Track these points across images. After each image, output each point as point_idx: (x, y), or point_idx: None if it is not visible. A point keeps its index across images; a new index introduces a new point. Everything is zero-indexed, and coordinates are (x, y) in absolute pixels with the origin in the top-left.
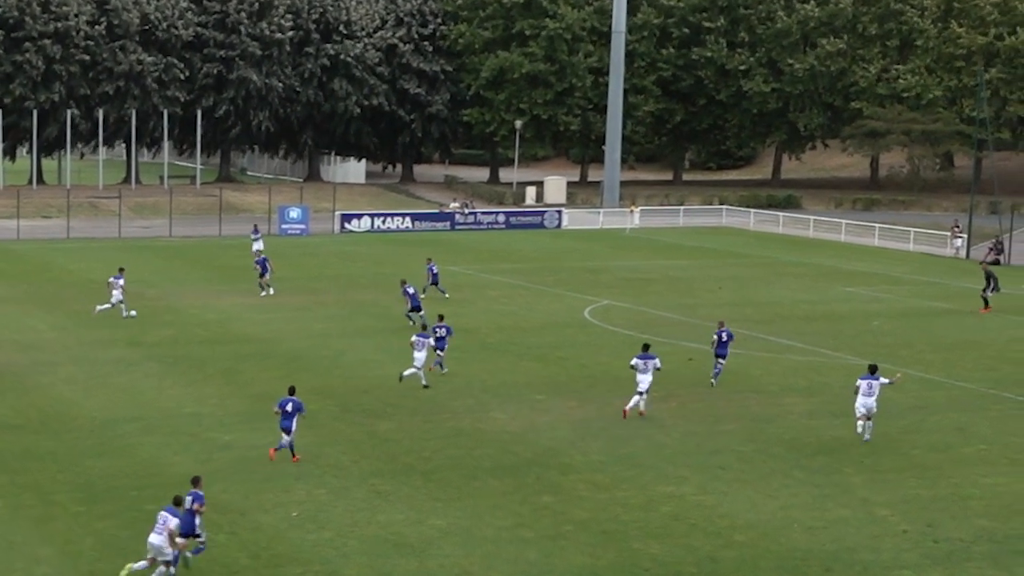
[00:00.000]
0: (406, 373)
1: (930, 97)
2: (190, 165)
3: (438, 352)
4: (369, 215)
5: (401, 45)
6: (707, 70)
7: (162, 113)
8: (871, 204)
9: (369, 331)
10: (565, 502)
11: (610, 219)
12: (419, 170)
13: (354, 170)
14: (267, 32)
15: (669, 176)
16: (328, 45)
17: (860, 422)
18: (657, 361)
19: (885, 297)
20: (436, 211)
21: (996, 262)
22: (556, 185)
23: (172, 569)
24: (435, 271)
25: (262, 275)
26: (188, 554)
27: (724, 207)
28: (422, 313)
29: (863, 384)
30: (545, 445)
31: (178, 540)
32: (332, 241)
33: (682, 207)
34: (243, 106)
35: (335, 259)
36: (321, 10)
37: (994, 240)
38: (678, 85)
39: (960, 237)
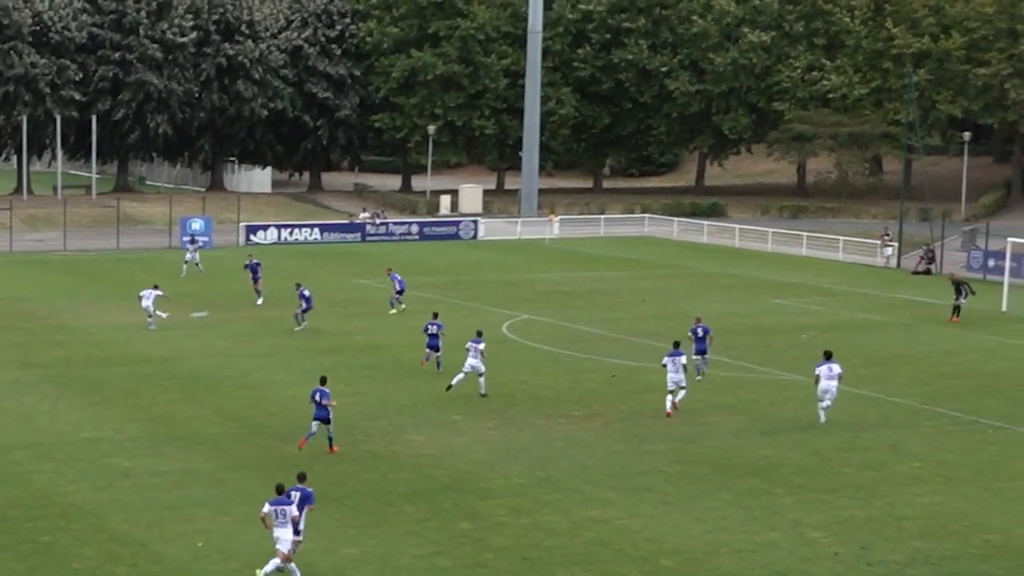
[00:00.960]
0: (455, 382)
1: (855, 97)
2: (85, 174)
3: (428, 349)
4: (275, 226)
5: (307, 47)
6: (628, 72)
7: (55, 119)
8: (798, 211)
9: (276, 350)
10: (485, 528)
11: (528, 229)
12: (327, 178)
13: (259, 179)
14: (167, 34)
15: (589, 183)
16: (228, 45)
17: (822, 406)
18: (683, 359)
19: (815, 309)
20: (346, 221)
21: (928, 271)
22: (471, 194)
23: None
24: (398, 278)
25: (256, 281)
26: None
27: (647, 216)
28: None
29: (823, 369)
30: (463, 468)
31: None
32: (237, 254)
33: (603, 216)
34: (141, 110)
35: (240, 273)
36: (222, 10)
37: (925, 248)
38: (598, 88)
39: (890, 246)
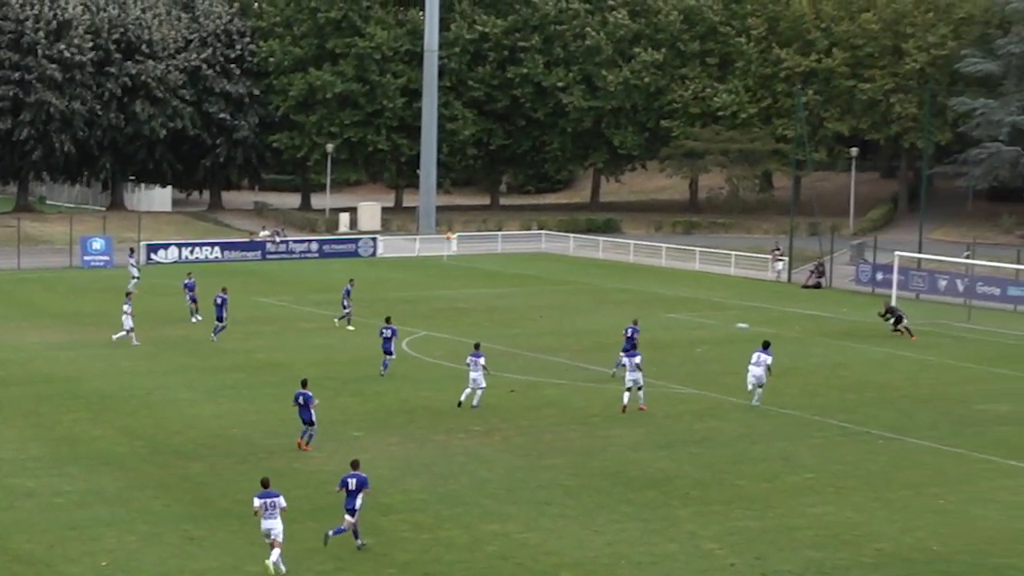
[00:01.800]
0: (464, 398)
1: (744, 116)
2: None
3: (386, 355)
4: (176, 245)
5: (206, 67)
6: (523, 88)
7: None
8: (691, 227)
9: (179, 368)
10: (387, 544)
11: (427, 246)
12: (228, 197)
13: (159, 198)
14: (66, 53)
15: (486, 200)
16: (129, 63)
17: (751, 389)
18: (638, 358)
19: (708, 323)
20: (246, 240)
21: (818, 285)
22: (370, 211)
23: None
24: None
25: (194, 301)
26: (329, 532)
27: (543, 232)
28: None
29: (753, 356)
30: None
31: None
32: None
33: (500, 233)
34: (43, 130)
35: (142, 292)
36: (122, 29)
37: (815, 263)
38: (494, 106)
39: (781, 260)
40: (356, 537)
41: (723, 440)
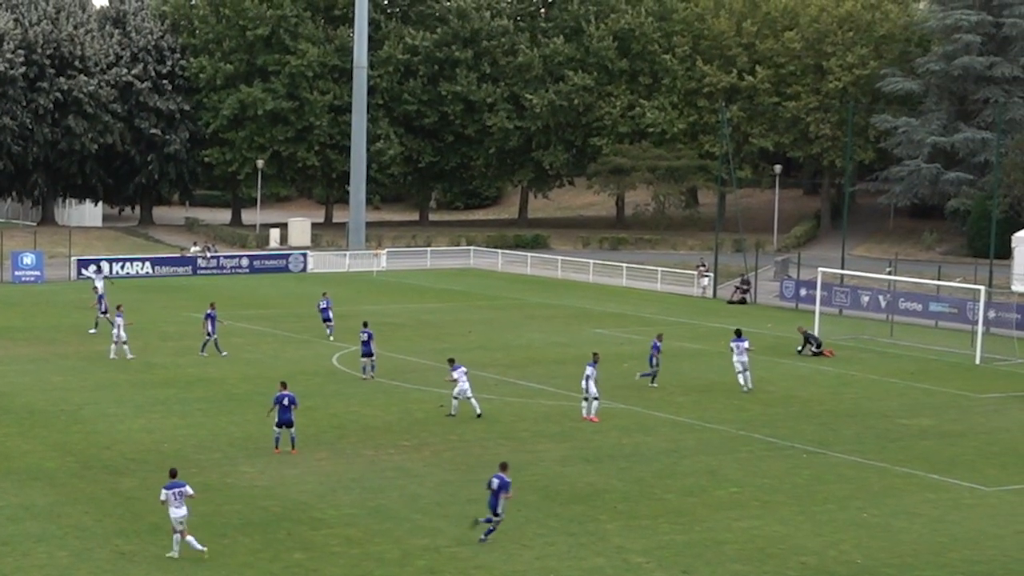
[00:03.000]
0: (453, 412)
1: (674, 132)
2: None
3: (363, 358)
4: (107, 260)
5: (138, 83)
6: (454, 105)
7: None
8: (618, 243)
9: (109, 383)
10: (318, 559)
11: (357, 262)
12: (158, 212)
13: (90, 213)
14: None
15: (415, 216)
16: (62, 80)
17: (740, 376)
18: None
19: (635, 338)
20: (177, 255)
21: (743, 301)
22: (300, 227)
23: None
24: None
25: (104, 312)
26: (482, 527)
27: (472, 248)
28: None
29: (734, 346)
30: (295, 499)
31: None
32: (69, 288)
33: (429, 248)
34: None
35: (72, 308)
36: (55, 44)
37: (740, 278)
38: (423, 122)
39: (707, 276)
40: (485, 527)
41: (650, 454)
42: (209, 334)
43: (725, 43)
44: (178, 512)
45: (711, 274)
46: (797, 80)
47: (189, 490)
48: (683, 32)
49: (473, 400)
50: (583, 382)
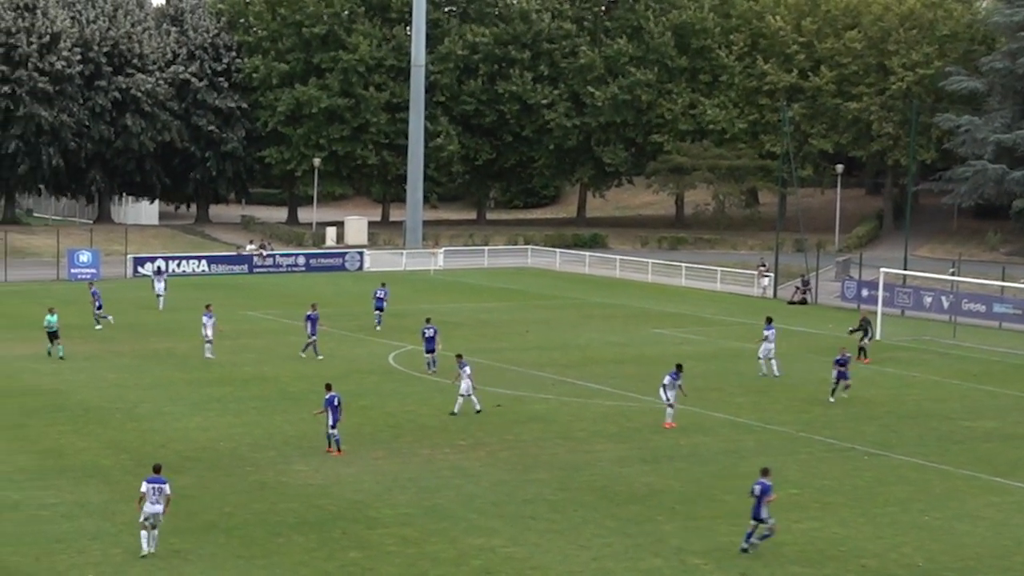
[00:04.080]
0: (456, 410)
1: (735, 131)
2: None
3: (428, 354)
4: (163, 258)
5: (195, 81)
6: (510, 105)
7: None
8: (677, 243)
9: (164, 381)
10: (373, 558)
11: (414, 260)
12: (215, 211)
13: (147, 211)
14: (56, 66)
15: (473, 215)
16: (120, 78)
17: (763, 363)
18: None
19: (694, 339)
20: (233, 253)
21: (803, 301)
22: (357, 225)
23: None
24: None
25: (99, 308)
26: (755, 540)
27: (529, 247)
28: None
29: (765, 333)
30: (351, 498)
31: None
32: (125, 286)
33: (487, 247)
34: (33, 143)
35: (128, 305)
36: (113, 42)
37: (800, 279)
38: (481, 121)
39: (767, 276)
40: (751, 538)
41: (709, 455)
42: (310, 336)
43: (783, 41)
44: (153, 508)
45: (771, 274)
46: (860, 80)
47: (167, 489)
48: (741, 28)
49: (473, 397)
50: (660, 391)
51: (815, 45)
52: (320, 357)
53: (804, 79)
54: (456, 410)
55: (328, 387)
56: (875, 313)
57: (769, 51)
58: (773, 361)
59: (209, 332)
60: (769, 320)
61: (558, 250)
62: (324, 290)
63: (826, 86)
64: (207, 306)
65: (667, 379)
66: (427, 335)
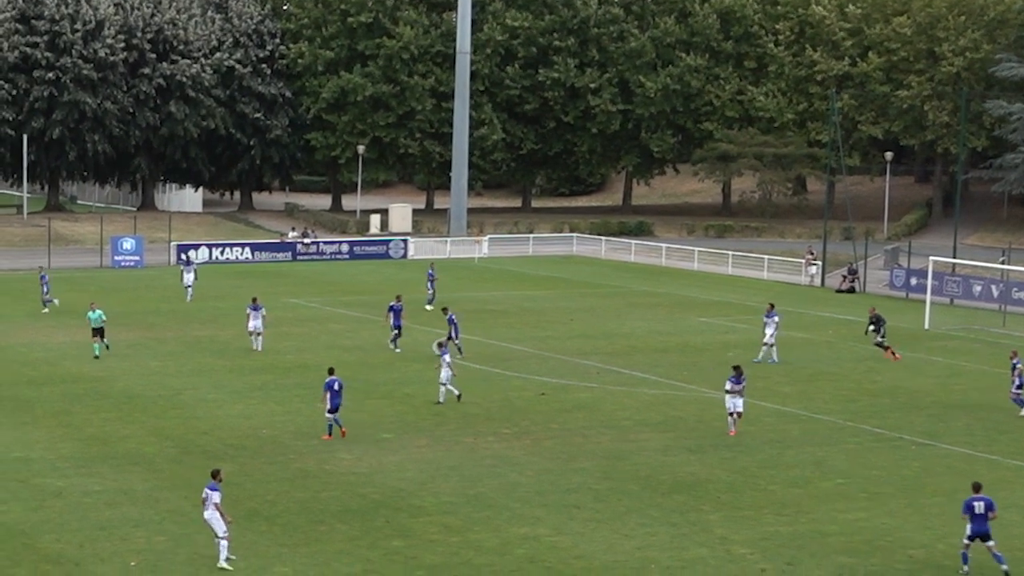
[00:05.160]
0: (441, 400)
1: (784, 120)
2: (15, 194)
3: (454, 339)
4: (207, 245)
5: (240, 67)
6: (554, 91)
7: None
8: (724, 231)
9: (208, 369)
10: (416, 546)
11: (458, 248)
12: (258, 198)
13: (190, 199)
14: (100, 53)
15: (518, 203)
16: (164, 65)
17: (764, 349)
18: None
19: (741, 327)
20: (277, 241)
21: (851, 290)
22: (401, 213)
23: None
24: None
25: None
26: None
27: (575, 235)
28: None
29: (767, 320)
30: (394, 486)
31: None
32: (168, 273)
33: (532, 235)
34: (77, 129)
35: (172, 292)
36: (157, 29)
37: (848, 267)
38: (524, 108)
39: (815, 264)
40: (1000, 561)
41: (754, 445)
42: (393, 328)
43: (829, 28)
44: (205, 514)
45: (819, 262)
46: (909, 66)
47: (215, 497)
48: (788, 16)
49: (451, 386)
50: (727, 399)
51: (864, 31)
52: (398, 350)
53: (853, 66)
54: (441, 399)
55: (331, 371)
56: (923, 302)
57: (816, 39)
58: (773, 348)
59: (260, 324)
60: (771, 307)
61: (603, 238)
62: (368, 278)
63: (874, 73)
64: (253, 299)
65: (729, 384)
66: (452, 320)
